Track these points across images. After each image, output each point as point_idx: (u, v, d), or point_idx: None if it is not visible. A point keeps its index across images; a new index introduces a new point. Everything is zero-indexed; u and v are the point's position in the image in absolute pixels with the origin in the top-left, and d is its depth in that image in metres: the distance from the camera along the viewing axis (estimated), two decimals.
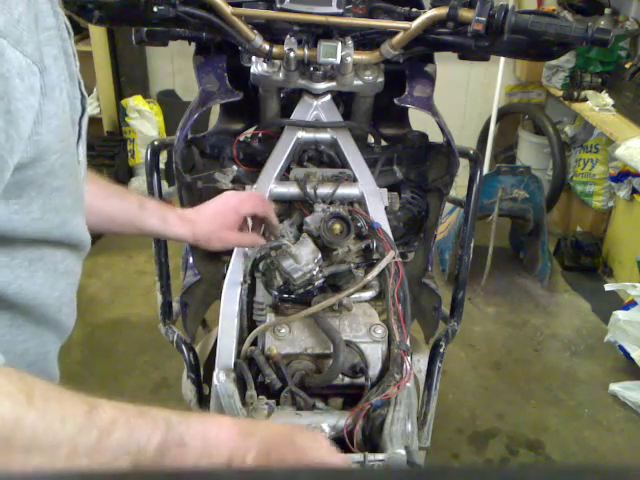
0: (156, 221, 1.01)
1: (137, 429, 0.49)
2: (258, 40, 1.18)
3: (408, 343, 1.08)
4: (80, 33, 3.16)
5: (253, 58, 1.27)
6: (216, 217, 1.08)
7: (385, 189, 1.27)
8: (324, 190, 1.24)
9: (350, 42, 1.21)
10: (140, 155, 3.41)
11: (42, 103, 0.56)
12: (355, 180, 1.27)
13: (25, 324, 0.68)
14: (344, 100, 1.38)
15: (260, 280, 1.18)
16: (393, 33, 1.21)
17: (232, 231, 1.10)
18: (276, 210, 1.27)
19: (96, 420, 0.46)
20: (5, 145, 0.52)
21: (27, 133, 0.55)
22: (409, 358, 1.07)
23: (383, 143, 1.44)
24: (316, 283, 1.16)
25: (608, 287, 2.42)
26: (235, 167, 1.33)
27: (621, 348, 2.39)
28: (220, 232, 1.08)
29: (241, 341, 1.10)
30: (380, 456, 0.91)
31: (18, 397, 0.44)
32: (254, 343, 1.09)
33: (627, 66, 2.90)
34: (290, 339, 1.08)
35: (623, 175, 2.81)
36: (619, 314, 2.34)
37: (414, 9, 1.25)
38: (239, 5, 1.18)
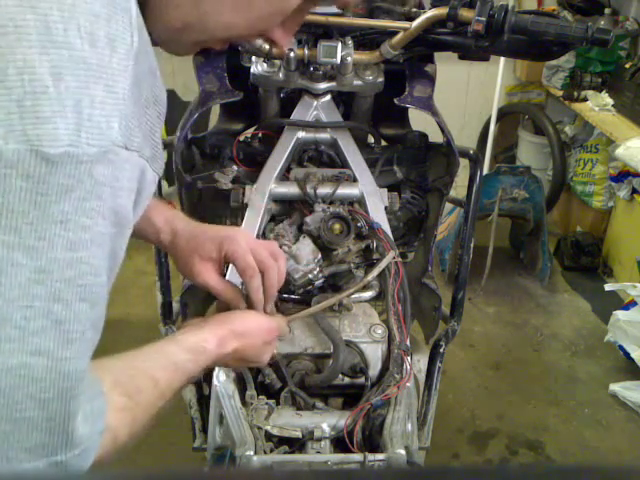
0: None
1: (181, 373, 0.71)
2: (258, 40, 1.18)
3: (408, 343, 1.08)
4: None
5: (253, 58, 1.27)
6: (193, 239, 0.90)
7: (385, 189, 1.27)
8: (324, 190, 1.24)
9: (350, 42, 1.21)
10: None
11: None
12: (355, 180, 1.27)
13: None
14: (344, 100, 1.38)
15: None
16: (393, 33, 1.21)
17: (208, 265, 0.90)
18: (276, 210, 1.27)
19: (160, 385, 0.66)
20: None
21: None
22: (409, 358, 1.07)
23: (383, 143, 1.44)
24: (316, 283, 1.17)
25: (608, 287, 2.42)
26: (235, 167, 1.33)
27: (621, 348, 2.38)
28: (192, 258, 0.90)
29: None
30: (380, 456, 0.92)
31: (127, 404, 0.61)
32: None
33: (627, 66, 2.89)
34: (290, 339, 1.08)
35: (623, 175, 2.81)
36: (619, 314, 2.34)
37: (414, 9, 1.25)
38: None
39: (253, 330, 0.85)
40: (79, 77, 0.46)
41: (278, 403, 1.03)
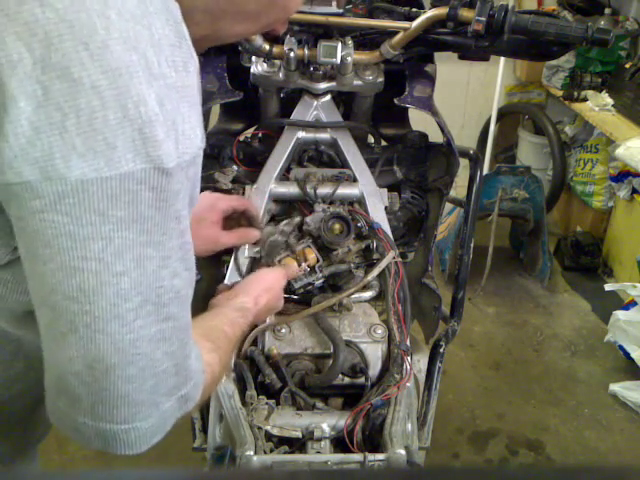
0: None
1: (236, 329, 0.87)
2: (258, 40, 1.18)
3: (408, 343, 1.08)
4: None
5: (253, 58, 1.27)
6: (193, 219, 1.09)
7: (385, 189, 1.27)
8: (324, 190, 1.24)
9: (350, 42, 1.21)
10: None
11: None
12: (355, 180, 1.27)
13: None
14: (344, 100, 1.38)
15: None
16: (393, 33, 1.21)
17: (215, 230, 1.13)
18: (276, 210, 1.27)
19: (229, 335, 0.83)
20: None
21: None
22: (409, 358, 1.07)
23: (383, 143, 1.44)
24: (316, 283, 1.17)
25: (608, 287, 2.42)
26: (235, 167, 1.33)
27: (621, 348, 2.38)
28: (201, 232, 1.08)
29: (241, 341, 1.10)
30: (380, 456, 0.92)
31: (213, 347, 0.75)
32: (254, 343, 1.09)
33: (627, 66, 2.90)
34: (290, 339, 1.08)
35: (623, 175, 2.81)
36: (619, 314, 2.34)
37: (414, 9, 1.25)
38: None
39: (274, 282, 1.04)
40: (172, 100, 0.56)
41: (278, 403, 1.03)
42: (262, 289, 1.00)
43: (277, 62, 1.25)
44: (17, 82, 0.51)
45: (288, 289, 1.16)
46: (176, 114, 0.56)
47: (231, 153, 1.34)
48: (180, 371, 0.63)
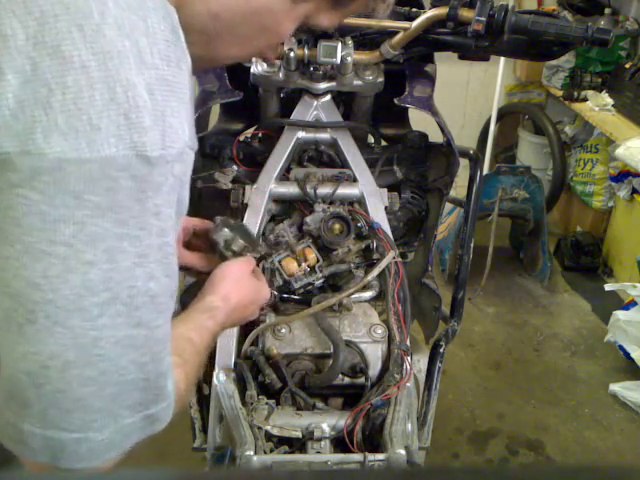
0: None
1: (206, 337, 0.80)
2: None
3: (408, 343, 1.09)
4: None
5: (253, 58, 1.26)
6: None
7: (385, 189, 1.27)
8: (324, 190, 1.24)
9: (350, 42, 1.21)
10: None
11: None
12: (355, 180, 1.27)
13: None
14: (344, 100, 1.38)
15: None
16: (393, 33, 1.21)
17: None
18: (276, 210, 1.27)
19: (195, 343, 0.76)
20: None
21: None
22: (409, 358, 1.07)
23: (383, 143, 1.44)
24: (316, 283, 1.17)
25: (608, 287, 2.42)
26: (235, 167, 1.33)
27: (621, 348, 2.38)
28: None
29: (241, 341, 1.10)
30: (380, 456, 0.92)
31: (178, 361, 0.68)
32: (254, 343, 1.09)
33: (627, 66, 2.89)
34: (290, 339, 1.08)
35: (623, 175, 2.81)
36: (619, 314, 2.34)
37: (414, 9, 1.25)
38: None
39: (240, 273, 0.93)
40: (163, 92, 0.56)
41: (278, 403, 1.03)
42: (229, 283, 0.90)
43: (277, 62, 1.25)
44: (7, 56, 0.51)
45: (288, 289, 1.16)
46: (165, 106, 0.56)
47: (231, 153, 1.34)
48: (150, 388, 0.59)
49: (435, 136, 1.39)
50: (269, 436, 0.97)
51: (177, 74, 0.58)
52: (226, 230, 0.97)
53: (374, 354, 1.08)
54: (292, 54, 1.20)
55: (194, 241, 1.02)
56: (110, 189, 0.52)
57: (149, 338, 0.58)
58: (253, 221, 1.21)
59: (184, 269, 1.01)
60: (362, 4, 0.77)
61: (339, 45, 1.19)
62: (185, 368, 0.70)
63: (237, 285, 0.91)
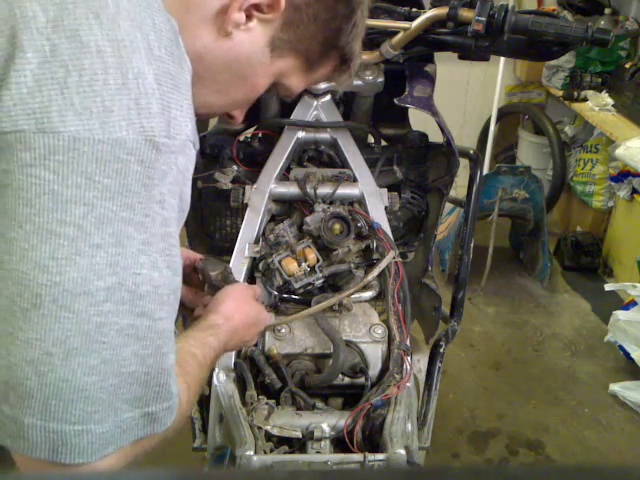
0: None
1: (208, 357, 0.78)
2: None
3: (408, 343, 1.08)
4: None
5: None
6: None
7: (385, 189, 1.27)
8: (324, 190, 1.24)
9: None
10: None
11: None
12: (355, 180, 1.27)
13: None
14: (344, 100, 1.38)
15: (260, 280, 1.18)
16: (393, 33, 1.21)
17: None
18: (276, 210, 1.27)
19: (198, 358, 0.75)
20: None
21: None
22: (409, 358, 1.07)
23: (383, 143, 1.44)
24: (316, 283, 1.17)
25: (608, 287, 2.42)
26: (235, 167, 1.33)
27: (621, 348, 2.38)
28: None
29: None
30: (380, 456, 0.91)
31: (180, 372, 0.67)
32: (254, 343, 1.09)
33: (627, 66, 2.89)
34: (290, 339, 1.08)
35: (623, 175, 2.81)
36: (619, 314, 2.34)
37: (414, 9, 1.25)
38: None
39: (241, 294, 0.95)
40: (168, 84, 0.59)
41: (278, 403, 1.03)
42: (232, 304, 0.90)
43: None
44: (28, 35, 0.53)
45: (288, 289, 1.16)
46: (170, 98, 0.58)
47: (231, 153, 1.34)
48: (151, 384, 0.58)
49: (435, 136, 1.39)
50: (269, 436, 0.97)
51: (180, 72, 0.61)
52: (216, 263, 0.99)
53: (374, 354, 1.08)
54: None
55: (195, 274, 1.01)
56: (119, 172, 0.54)
57: (151, 329, 0.58)
58: (253, 221, 1.21)
59: None
60: (325, 74, 0.83)
61: None
62: (187, 379, 0.69)
63: (239, 306, 0.92)
